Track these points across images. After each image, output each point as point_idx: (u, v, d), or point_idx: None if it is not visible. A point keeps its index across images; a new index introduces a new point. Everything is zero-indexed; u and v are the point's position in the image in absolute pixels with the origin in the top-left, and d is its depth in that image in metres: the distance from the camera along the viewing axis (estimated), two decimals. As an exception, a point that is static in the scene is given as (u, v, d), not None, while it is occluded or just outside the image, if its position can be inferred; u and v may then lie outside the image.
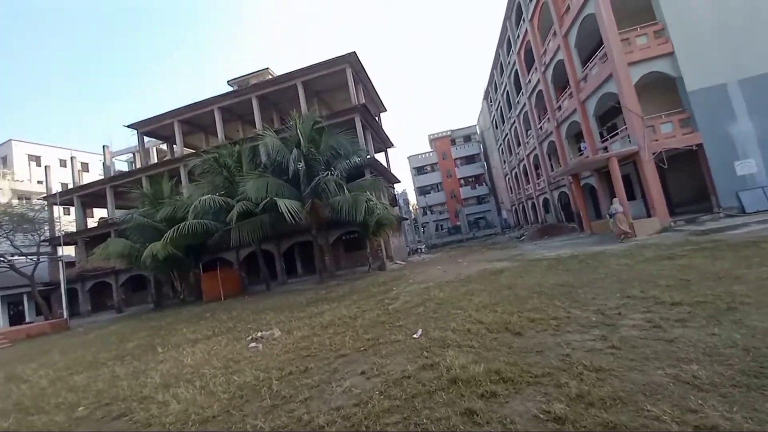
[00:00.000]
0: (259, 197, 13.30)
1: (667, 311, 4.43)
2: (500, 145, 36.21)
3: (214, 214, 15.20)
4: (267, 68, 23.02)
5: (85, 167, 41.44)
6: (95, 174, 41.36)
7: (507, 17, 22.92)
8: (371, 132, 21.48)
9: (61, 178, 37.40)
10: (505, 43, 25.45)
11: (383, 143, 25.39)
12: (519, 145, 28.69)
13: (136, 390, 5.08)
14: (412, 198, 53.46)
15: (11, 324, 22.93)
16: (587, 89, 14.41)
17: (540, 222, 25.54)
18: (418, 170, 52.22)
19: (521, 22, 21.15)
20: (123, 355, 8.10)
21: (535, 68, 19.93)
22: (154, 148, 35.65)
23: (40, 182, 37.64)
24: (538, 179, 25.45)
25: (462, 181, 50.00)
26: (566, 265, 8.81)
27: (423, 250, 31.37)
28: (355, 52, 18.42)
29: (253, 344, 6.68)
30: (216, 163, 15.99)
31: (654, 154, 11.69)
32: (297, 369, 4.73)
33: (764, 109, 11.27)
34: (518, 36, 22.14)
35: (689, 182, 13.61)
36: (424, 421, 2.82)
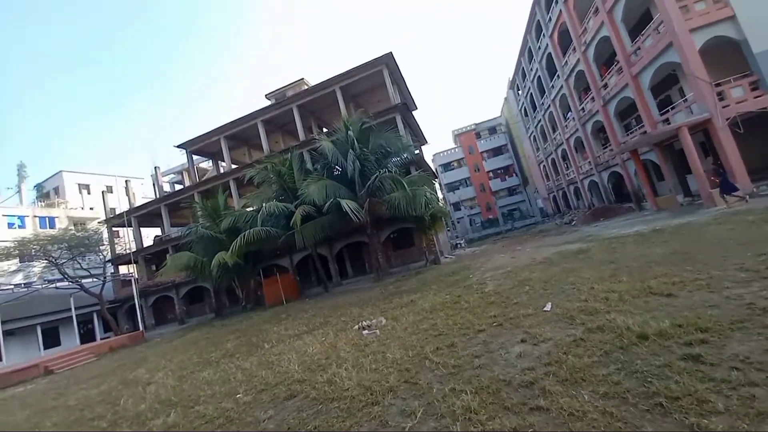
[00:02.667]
0: (320, 200, 13.73)
1: (828, 262, 4.29)
2: (531, 133, 35.56)
3: (274, 220, 15.76)
4: (302, 78, 23.74)
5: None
6: (139, 197, 43.75)
7: (536, 2, 22.63)
8: (409, 130, 21.67)
9: (108, 203, 39.78)
10: (533, 28, 25.09)
11: (418, 140, 25.55)
12: (555, 130, 28.09)
13: (283, 377, 5.27)
14: (438, 195, 53.05)
15: (82, 341, 24.47)
16: (641, 62, 13.99)
17: (587, 206, 24.84)
18: (444, 167, 51.95)
19: (553, 5, 20.84)
20: (230, 353, 8.43)
21: (573, 49, 19.53)
22: (195, 167, 37.39)
23: (91, 208, 40.22)
24: (581, 162, 24.82)
25: (491, 174, 49.34)
26: (658, 238, 8.57)
27: (463, 245, 31.15)
28: (391, 52, 18.73)
29: (365, 332, 6.89)
30: (270, 172, 16.60)
31: (727, 119, 11.22)
32: (443, 345, 4.87)
33: None
34: (550, 19, 21.81)
35: (764, 147, 12.94)
36: (646, 367, 2.88)
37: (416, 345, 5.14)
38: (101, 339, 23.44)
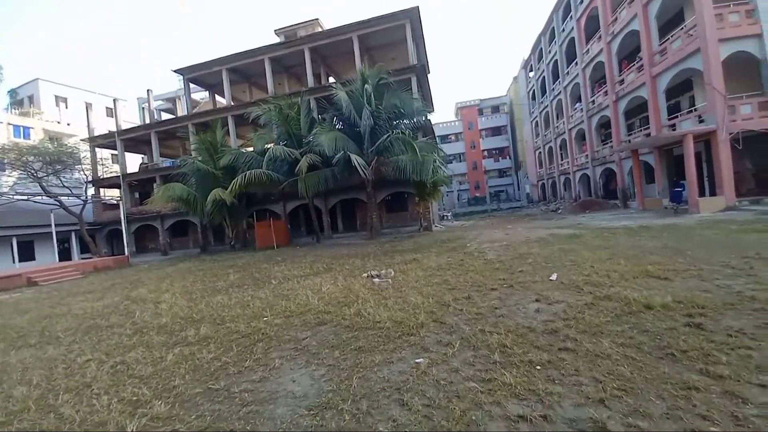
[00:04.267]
0: (329, 151, 13.63)
1: (802, 268, 4.96)
2: (535, 117, 35.63)
3: (278, 164, 15.59)
4: (317, 19, 22.27)
5: (109, 112, 41.23)
6: (121, 120, 41.16)
7: (570, -20, 21.85)
8: (421, 94, 21.25)
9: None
10: (562, 7, 24.36)
11: (427, 107, 25.13)
12: (559, 118, 28.33)
13: (306, 308, 5.59)
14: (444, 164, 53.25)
15: (60, 260, 24.11)
16: (664, 64, 14.17)
17: (574, 197, 25.88)
18: (442, 138, 51.56)
19: (588, -14, 20.21)
20: (236, 285, 8.68)
21: (598, 38, 19.32)
22: (183, 98, 35.29)
23: (68, 124, 37.69)
24: (578, 155, 25.44)
25: (485, 153, 49.69)
26: (647, 233, 9.29)
27: (449, 217, 32.01)
28: (417, 7, 17.84)
29: (376, 279, 7.33)
30: (277, 115, 16.11)
31: (731, 134, 11.84)
32: (459, 296, 5.36)
33: None
34: (581, 1, 21.22)
35: (755, 165, 13.80)
36: (654, 329, 3.43)
37: (433, 294, 5.61)
38: (81, 259, 23.15)
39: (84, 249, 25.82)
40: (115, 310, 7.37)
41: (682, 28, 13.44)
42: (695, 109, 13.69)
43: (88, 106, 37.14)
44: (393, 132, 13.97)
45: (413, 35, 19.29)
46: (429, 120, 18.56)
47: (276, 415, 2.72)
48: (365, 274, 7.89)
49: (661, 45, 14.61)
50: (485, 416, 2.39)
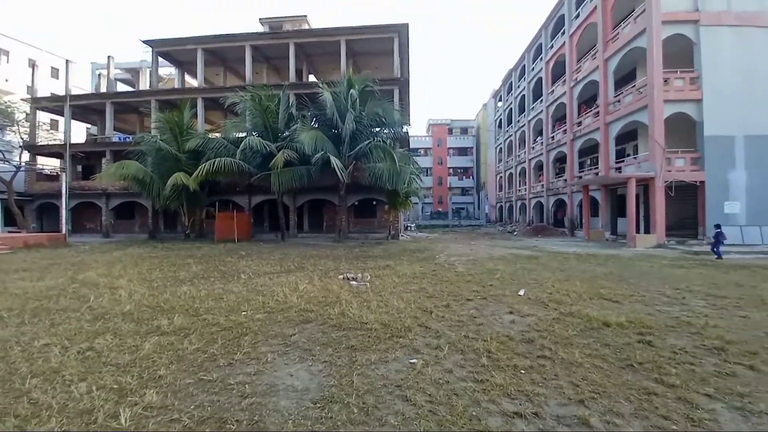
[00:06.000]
0: (310, 150, 13.51)
1: (720, 301, 5.91)
2: (500, 144, 37.97)
3: (251, 156, 15.08)
4: (305, 16, 22.09)
5: (54, 73, 37.10)
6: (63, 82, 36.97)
7: (545, 26, 23.87)
8: (401, 106, 21.83)
9: (27, 81, 33.04)
10: (533, 48, 26.50)
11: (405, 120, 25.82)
12: (521, 148, 30.49)
13: (286, 305, 5.52)
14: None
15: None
16: (616, 114, 16.04)
17: (528, 222, 27.86)
18: (412, 151, 52.94)
19: (559, 34, 22.24)
20: (202, 276, 8.28)
21: (563, 81, 21.31)
22: (148, 70, 32.75)
23: (6, 80, 33.18)
24: (534, 183, 27.52)
25: (451, 171, 51.74)
26: (594, 261, 10.40)
27: (413, 228, 32.79)
28: (407, 24, 18.48)
29: (354, 282, 7.43)
30: (256, 105, 15.63)
31: (665, 182, 13.67)
32: (439, 304, 5.65)
33: (758, 164, 13.68)
34: (551, 46, 23.27)
35: (682, 210, 15.94)
36: (613, 343, 3.95)
37: (413, 301, 5.85)
38: (8, 232, 20.31)
39: (8, 221, 22.76)
40: (63, 293, 6.68)
41: (634, 86, 15.35)
42: (635, 157, 15.61)
43: (33, 64, 33.20)
44: (373, 139, 14.22)
45: (400, 49, 19.88)
46: (407, 132, 19.09)
47: (281, 407, 2.75)
48: (341, 277, 7.96)
49: (615, 97, 16.54)
50: (484, 412, 2.64)
